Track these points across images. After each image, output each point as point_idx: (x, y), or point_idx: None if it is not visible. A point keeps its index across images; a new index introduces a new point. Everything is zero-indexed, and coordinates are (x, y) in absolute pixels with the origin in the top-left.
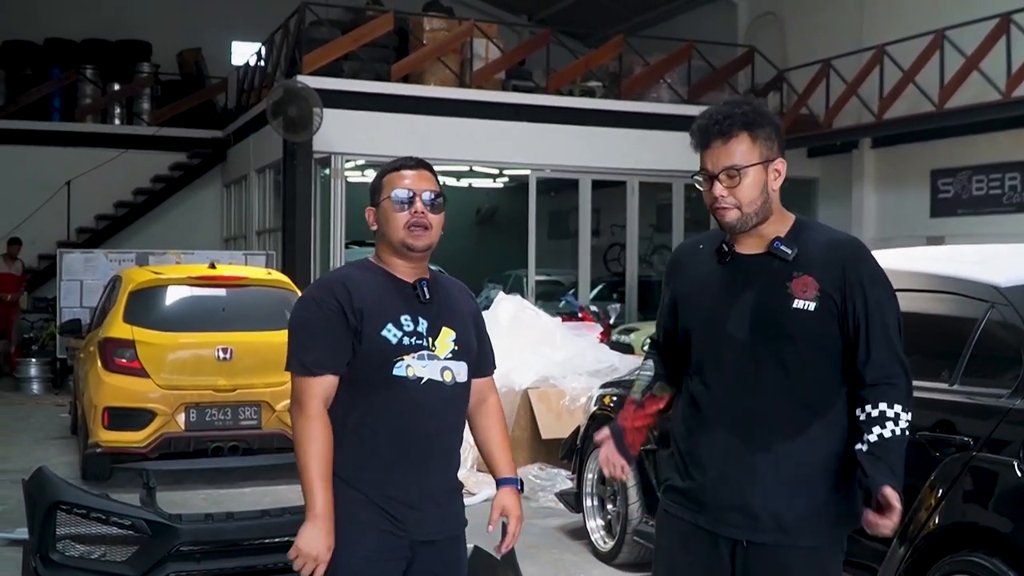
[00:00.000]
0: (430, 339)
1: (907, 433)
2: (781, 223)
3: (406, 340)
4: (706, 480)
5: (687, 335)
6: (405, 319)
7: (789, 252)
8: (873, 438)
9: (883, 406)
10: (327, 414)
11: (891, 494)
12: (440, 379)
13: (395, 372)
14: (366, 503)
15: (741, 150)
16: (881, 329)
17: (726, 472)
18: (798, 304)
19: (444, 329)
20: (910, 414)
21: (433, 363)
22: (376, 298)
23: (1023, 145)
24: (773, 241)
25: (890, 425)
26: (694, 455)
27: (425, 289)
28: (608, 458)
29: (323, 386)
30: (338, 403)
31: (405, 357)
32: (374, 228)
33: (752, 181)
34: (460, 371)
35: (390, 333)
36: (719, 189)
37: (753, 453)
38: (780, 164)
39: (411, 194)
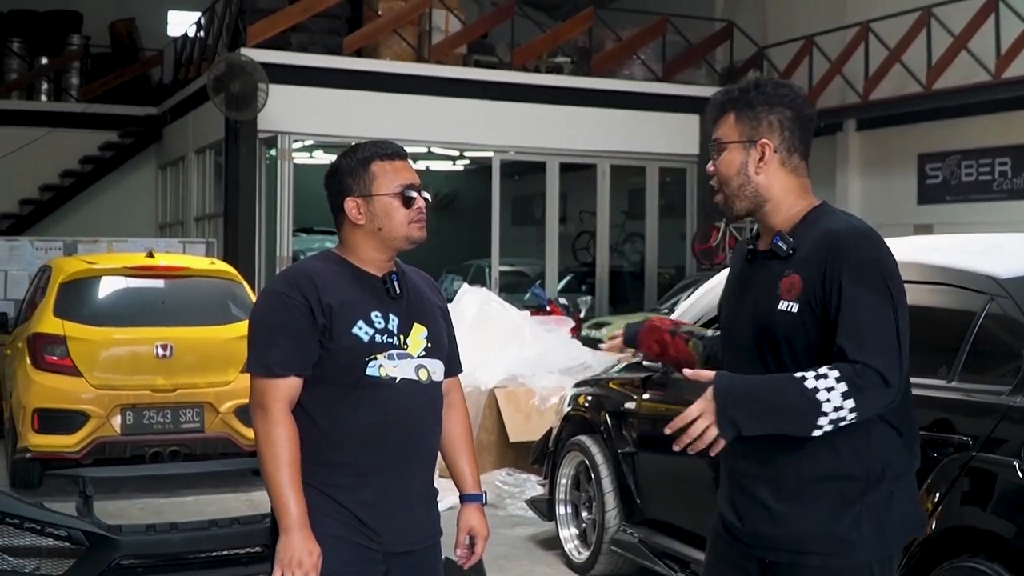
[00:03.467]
0: (401, 337)
1: (822, 412)
2: (792, 213)
3: (378, 338)
4: (721, 495)
5: None
6: (376, 316)
7: (784, 248)
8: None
9: (825, 368)
10: (292, 417)
11: (694, 375)
12: (416, 377)
13: (368, 372)
14: (339, 512)
15: (725, 127)
16: (849, 327)
17: (732, 488)
18: (782, 306)
19: (416, 325)
20: (852, 414)
21: (405, 362)
22: (345, 294)
23: (1013, 128)
24: (775, 236)
25: (811, 378)
26: (721, 465)
27: (396, 283)
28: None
29: (287, 388)
30: (307, 406)
31: (378, 356)
32: (361, 222)
33: (729, 158)
34: (436, 369)
35: (361, 331)
36: (709, 164)
37: (755, 467)
38: (764, 146)
39: (417, 190)
